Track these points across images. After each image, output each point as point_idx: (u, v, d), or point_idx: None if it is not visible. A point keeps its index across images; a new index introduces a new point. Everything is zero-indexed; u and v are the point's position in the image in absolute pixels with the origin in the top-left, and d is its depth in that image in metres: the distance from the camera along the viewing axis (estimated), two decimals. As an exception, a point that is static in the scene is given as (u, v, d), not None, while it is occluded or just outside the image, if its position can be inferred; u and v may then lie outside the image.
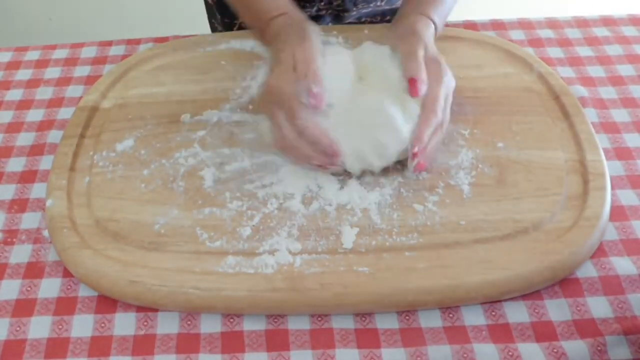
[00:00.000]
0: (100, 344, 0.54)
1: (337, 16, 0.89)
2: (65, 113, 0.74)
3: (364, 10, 0.89)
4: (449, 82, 0.64)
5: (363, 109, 0.62)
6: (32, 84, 0.78)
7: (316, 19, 0.88)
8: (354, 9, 0.87)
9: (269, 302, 0.54)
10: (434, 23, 0.69)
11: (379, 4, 0.88)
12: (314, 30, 0.66)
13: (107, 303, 0.56)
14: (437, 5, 0.71)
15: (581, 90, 0.74)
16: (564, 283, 0.57)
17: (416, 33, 0.65)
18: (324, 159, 0.61)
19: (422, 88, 0.61)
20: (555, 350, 0.52)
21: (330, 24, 0.89)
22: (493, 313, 0.55)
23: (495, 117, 0.68)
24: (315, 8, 0.86)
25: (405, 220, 0.59)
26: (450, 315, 0.55)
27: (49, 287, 0.58)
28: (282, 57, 0.63)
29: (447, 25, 0.82)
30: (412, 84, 0.61)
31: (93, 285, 0.57)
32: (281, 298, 0.54)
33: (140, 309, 0.56)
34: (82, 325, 0.55)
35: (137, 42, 0.83)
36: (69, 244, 0.58)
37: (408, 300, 0.54)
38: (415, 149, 0.61)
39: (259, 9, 0.71)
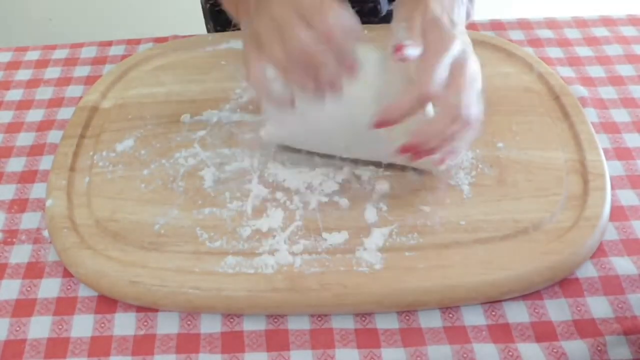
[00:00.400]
0: (100, 344, 0.54)
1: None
2: (65, 113, 0.74)
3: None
4: (464, 58, 0.52)
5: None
6: (32, 84, 0.78)
7: None
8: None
9: (269, 302, 0.54)
10: None
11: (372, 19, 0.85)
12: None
13: (107, 303, 0.56)
14: None
15: (581, 90, 0.74)
16: (564, 283, 0.57)
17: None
18: (334, 70, 0.51)
19: (406, 51, 0.50)
20: (555, 351, 0.52)
21: None
22: (493, 313, 0.55)
23: (495, 117, 0.68)
24: None
25: (405, 220, 0.59)
26: (450, 315, 0.55)
27: (49, 287, 0.58)
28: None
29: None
30: (397, 49, 0.50)
31: (93, 286, 0.57)
32: (281, 298, 0.54)
33: (140, 309, 0.56)
34: (82, 325, 0.55)
35: (137, 42, 0.83)
36: (69, 244, 0.58)
37: (408, 300, 0.54)
38: (376, 119, 0.52)
39: None
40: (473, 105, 0.52)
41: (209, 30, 0.99)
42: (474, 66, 0.53)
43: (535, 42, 0.81)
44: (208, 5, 0.93)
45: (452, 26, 0.53)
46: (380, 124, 0.52)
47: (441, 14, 0.54)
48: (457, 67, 0.52)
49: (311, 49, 0.51)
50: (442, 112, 0.52)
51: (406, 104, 0.51)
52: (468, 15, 0.61)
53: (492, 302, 0.56)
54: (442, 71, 0.51)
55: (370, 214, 0.60)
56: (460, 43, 0.53)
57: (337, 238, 0.58)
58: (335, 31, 0.51)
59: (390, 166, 0.63)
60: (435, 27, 0.52)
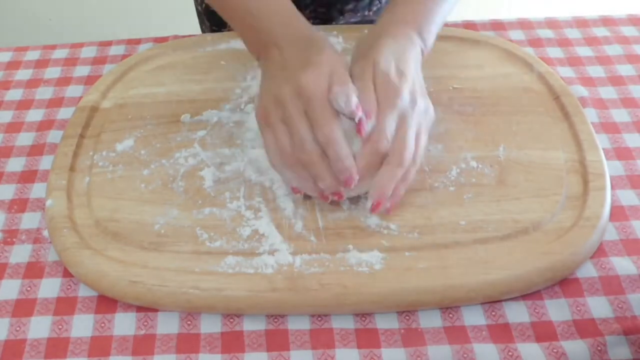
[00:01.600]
0: (100, 344, 0.54)
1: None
2: (65, 113, 0.74)
3: (352, 20, 0.87)
4: (415, 111, 0.57)
5: None
6: (32, 84, 0.78)
7: None
8: (341, 17, 0.86)
9: (269, 302, 0.54)
10: (420, 37, 0.62)
11: (366, 13, 0.86)
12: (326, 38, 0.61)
13: (107, 303, 0.56)
14: (426, 13, 0.62)
15: (581, 90, 0.74)
16: (564, 283, 0.57)
17: (372, 50, 0.58)
18: (332, 184, 0.57)
19: (365, 129, 0.56)
20: (555, 350, 0.52)
21: None
22: (493, 313, 0.55)
23: (495, 117, 0.68)
24: None
25: (405, 220, 0.59)
26: (450, 315, 0.55)
27: (49, 287, 0.58)
28: (314, 59, 0.57)
29: (447, 25, 0.82)
30: (358, 124, 0.56)
31: (93, 286, 0.57)
32: (281, 298, 0.54)
33: (140, 309, 0.56)
34: (82, 325, 0.55)
35: (137, 42, 0.83)
36: (69, 244, 0.58)
37: (408, 300, 0.54)
38: (342, 188, 0.57)
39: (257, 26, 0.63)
40: (411, 151, 0.57)
41: (204, 31, 0.99)
42: (420, 114, 0.58)
43: (536, 42, 0.81)
44: (203, 5, 0.94)
45: (400, 78, 0.57)
46: (349, 183, 0.56)
47: (389, 68, 0.57)
48: (402, 119, 0.57)
49: (313, 160, 0.56)
50: (389, 160, 0.56)
51: (364, 162, 0.56)
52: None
53: (492, 302, 0.56)
54: (389, 127, 0.56)
55: (371, 214, 0.60)
56: (408, 94, 0.57)
57: (337, 238, 0.58)
58: (336, 141, 0.55)
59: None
60: (383, 83, 0.57)
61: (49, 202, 0.62)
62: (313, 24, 0.79)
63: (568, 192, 0.61)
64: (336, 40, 0.77)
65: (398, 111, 0.56)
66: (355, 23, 0.89)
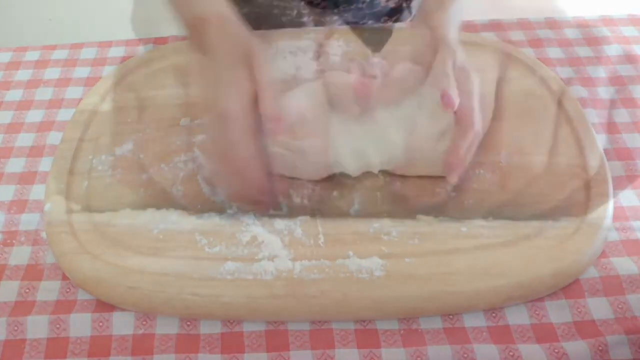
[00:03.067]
0: (99, 344, 0.54)
1: (319, 21, 0.87)
2: (64, 114, 0.73)
3: (346, 14, 0.87)
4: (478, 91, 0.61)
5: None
6: (32, 84, 0.78)
7: (298, 24, 0.87)
8: (335, 10, 0.85)
9: (268, 308, 0.54)
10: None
11: (360, 5, 0.87)
12: (259, 47, 0.59)
13: (106, 305, 0.56)
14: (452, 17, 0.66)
15: (581, 91, 0.73)
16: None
17: (445, 43, 0.62)
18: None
19: (455, 101, 0.58)
20: (556, 351, 0.52)
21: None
22: (493, 315, 0.55)
23: (496, 121, 0.68)
24: (295, 11, 0.85)
25: (405, 226, 0.59)
26: (451, 316, 0.55)
27: (48, 290, 0.58)
28: (231, 75, 0.56)
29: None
30: (445, 97, 0.58)
31: (91, 291, 0.56)
32: (280, 305, 0.54)
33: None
34: (81, 325, 0.55)
35: (137, 43, 0.83)
36: (67, 249, 0.58)
37: (408, 307, 0.54)
38: (453, 161, 0.59)
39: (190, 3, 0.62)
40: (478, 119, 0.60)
41: None
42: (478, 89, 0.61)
43: (535, 42, 0.81)
44: None
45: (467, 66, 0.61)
46: (452, 170, 0.59)
47: (459, 55, 0.61)
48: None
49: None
50: (464, 130, 0.59)
51: (465, 145, 0.59)
52: None
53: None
54: (477, 110, 0.59)
55: (371, 219, 0.59)
56: (476, 78, 0.61)
57: (337, 244, 0.58)
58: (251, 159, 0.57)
59: (389, 173, 0.63)
60: (463, 72, 0.60)
61: (47, 207, 0.61)
62: (308, 15, 0.78)
63: (570, 198, 0.61)
64: (337, 43, 0.76)
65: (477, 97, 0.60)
66: (353, 24, 0.89)
